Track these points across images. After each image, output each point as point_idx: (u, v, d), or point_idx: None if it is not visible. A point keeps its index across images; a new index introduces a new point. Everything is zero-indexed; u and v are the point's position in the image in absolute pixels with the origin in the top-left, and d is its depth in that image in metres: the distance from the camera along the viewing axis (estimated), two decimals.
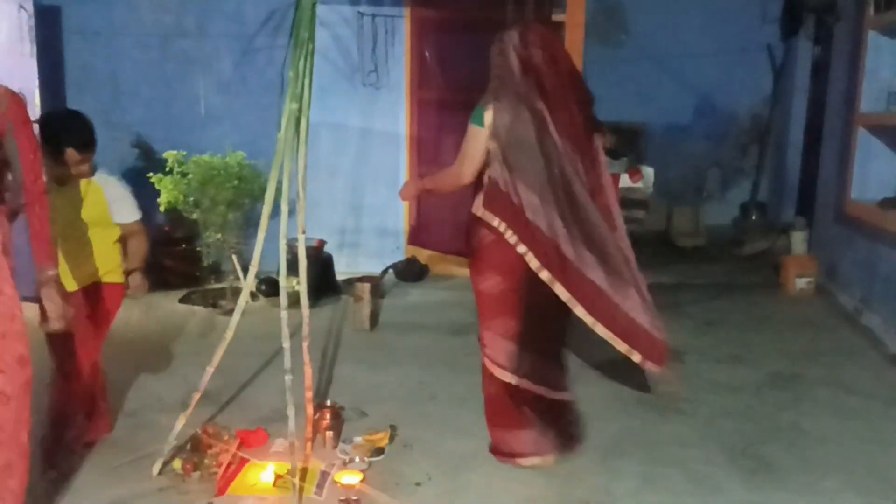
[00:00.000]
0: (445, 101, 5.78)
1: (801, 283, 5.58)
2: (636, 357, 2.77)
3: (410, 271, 5.89)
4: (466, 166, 2.86)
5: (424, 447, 3.17)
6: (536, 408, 2.95)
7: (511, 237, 2.76)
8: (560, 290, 2.72)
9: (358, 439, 3.16)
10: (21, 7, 4.77)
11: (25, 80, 4.82)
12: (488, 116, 2.79)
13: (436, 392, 3.72)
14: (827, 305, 5.32)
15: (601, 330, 2.75)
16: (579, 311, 2.73)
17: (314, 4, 2.75)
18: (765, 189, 7.76)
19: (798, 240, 5.96)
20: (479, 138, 2.81)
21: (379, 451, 3.08)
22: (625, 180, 6.54)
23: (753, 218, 7.41)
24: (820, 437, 3.33)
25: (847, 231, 5.28)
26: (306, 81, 2.75)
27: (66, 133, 2.82)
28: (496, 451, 3.05)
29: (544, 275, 2.73)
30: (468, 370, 4.07)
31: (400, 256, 6.00)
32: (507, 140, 2.77)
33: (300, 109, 2.75)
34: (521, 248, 2.75)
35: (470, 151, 2.84)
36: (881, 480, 2.96)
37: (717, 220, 7.64)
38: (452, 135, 5.66)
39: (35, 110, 4.85)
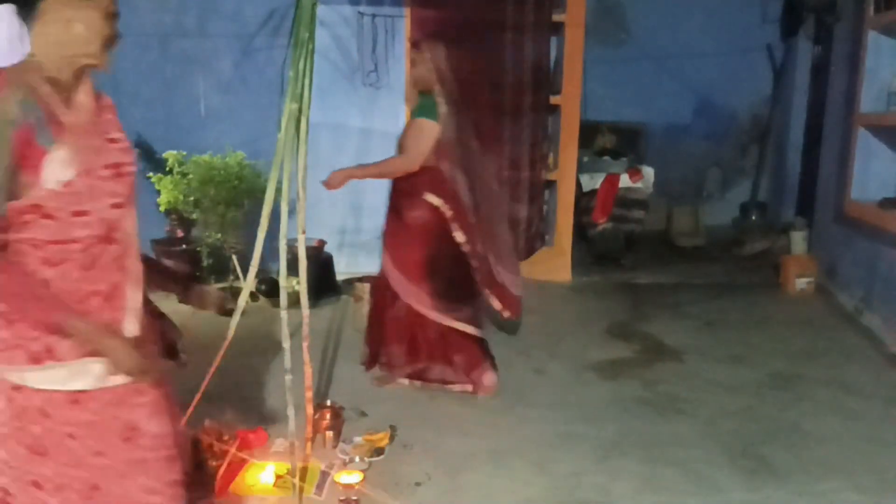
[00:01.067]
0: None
1: (801, 283, 5.58)
2: (503, 311, 3.51)
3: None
4: (419, 156, 3.36)
5: (424, 447, 3.17)
6: (476, 344, 3.65)
7: (448, 212, 3.37)
8: (473, 261, 3.44)
9: (358, 439, 3.16)
10: None
11: None
12: (441, 112, 3.31)
13: (436, 392, 3.72)
14: (827, 305, 5.32)
15: (495, 302, 3.48)
16: (477, 276, 3.43)
17: (314, 4, 2.75)
18: (765, 189, 7.75)
19: (798, 240, 5.96)
20: (434, 131, 3.33)
21: (379, 451, 3.08)
22: (625, 180, 6.56)
23: (753, 218, 7.41)
24: (820, 437, 3.33)
25: (847, 231, 5.28)
26: (306, 81, 2.74)
27: None
28: (430, 377, 3.64)
29: (466, 248, 3.41)
30: None
31: None
32: (450, 134, 3.32)
33: (300, 109, 2.75)
34: (454, 225, 3.39)
35: (424, 142, 3.34)
36: (881, 480, 2.97)
37: (717, 220, 7.63)
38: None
39: None
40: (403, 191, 3.53)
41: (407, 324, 3.63)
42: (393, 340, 3.69)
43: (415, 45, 3.51)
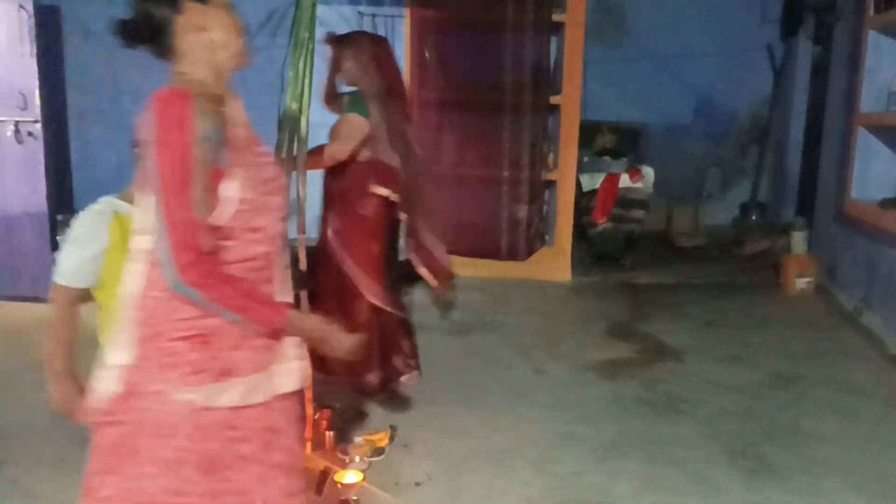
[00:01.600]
0: (445, 101, 5.78)
1: (801, 283, 5.58)
2: (433, 282, 3.61)
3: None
4: (347, 148, 3.42)
5: (424, 447, 3.17)
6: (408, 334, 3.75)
7: (396, 199, 3.45)
8: (410, 244, 3.59)
9: (358, 439, 3.16)
10: (21, 7, 4.77)
11: (25, 80, 4.82)
12: (372, 109, 3.40)
13: (436, 392, 3.72)
14: (827, 305, 5.32)
15: (422, 269, 3.59)
16: (412, 257, 3.57)
17: (314, 4, 2.75)
18: (765, 189, 7.76)
19: (798, 240, 5.96)
20: (363, 126, 3.40)
21: (379, 451, 3.08)
22: (625, 180, 6.56)
23: (753, 218, 7.42)
24: (820, 437, 3.33)
25: (847, 231, 5.28)
26: (306, 81, 2.75)
27: None
28: (382, 388, 3.50)
29: (406, 228, 3.56)
30: (468, 370, 4.09)
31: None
32: (385, 128, 3.42)
33: (300, 109, 2.75)
34: (399, 208, 3.48)
35: (354, 136, 3.40)
36: (881, 480, 2.97)
37: (717, 220, 7.64)
38: (452, 134, 5.65)
39: (35, 110, 4.87)
40: (351, 188, 3.54)
41: (373, 324, 3.52)
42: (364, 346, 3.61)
43: (335, 43, 3.51)
